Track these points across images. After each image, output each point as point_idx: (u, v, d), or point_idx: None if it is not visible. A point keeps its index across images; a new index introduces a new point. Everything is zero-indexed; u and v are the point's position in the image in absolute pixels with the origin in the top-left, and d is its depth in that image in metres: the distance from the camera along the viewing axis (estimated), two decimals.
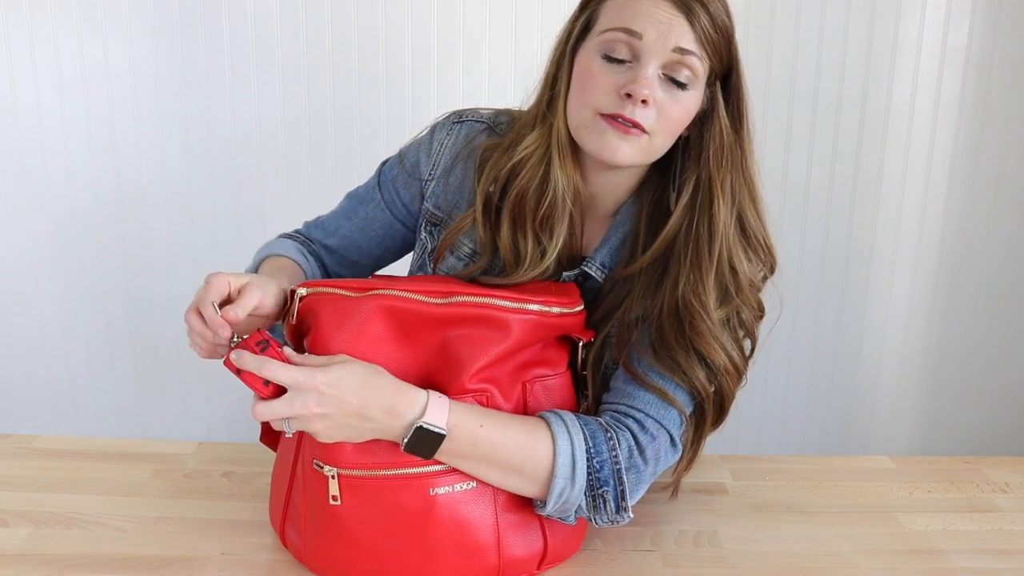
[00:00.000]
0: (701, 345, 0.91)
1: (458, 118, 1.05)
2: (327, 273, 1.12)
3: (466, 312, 0.84)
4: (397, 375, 0.84)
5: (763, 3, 1.91)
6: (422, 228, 1.06)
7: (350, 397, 0.79)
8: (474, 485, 0.82)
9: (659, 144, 0.91)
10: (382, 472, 0.81)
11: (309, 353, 0.86)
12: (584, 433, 0.85)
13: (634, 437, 0.88)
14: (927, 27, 1.95)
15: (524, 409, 0.86)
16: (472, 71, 1.92)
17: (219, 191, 2.02)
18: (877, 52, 1.95)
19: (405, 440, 0.80)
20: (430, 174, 1.04)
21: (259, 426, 0.98)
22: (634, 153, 0.90)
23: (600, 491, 0.85)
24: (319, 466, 0.83)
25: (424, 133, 1.06)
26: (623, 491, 0.85)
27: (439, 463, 0.81)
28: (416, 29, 1.93)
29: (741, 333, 0.97)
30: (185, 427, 2.12)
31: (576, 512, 0.86)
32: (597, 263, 0.98)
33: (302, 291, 0.90)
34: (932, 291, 2.10)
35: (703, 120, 0.93)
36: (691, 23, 0.88)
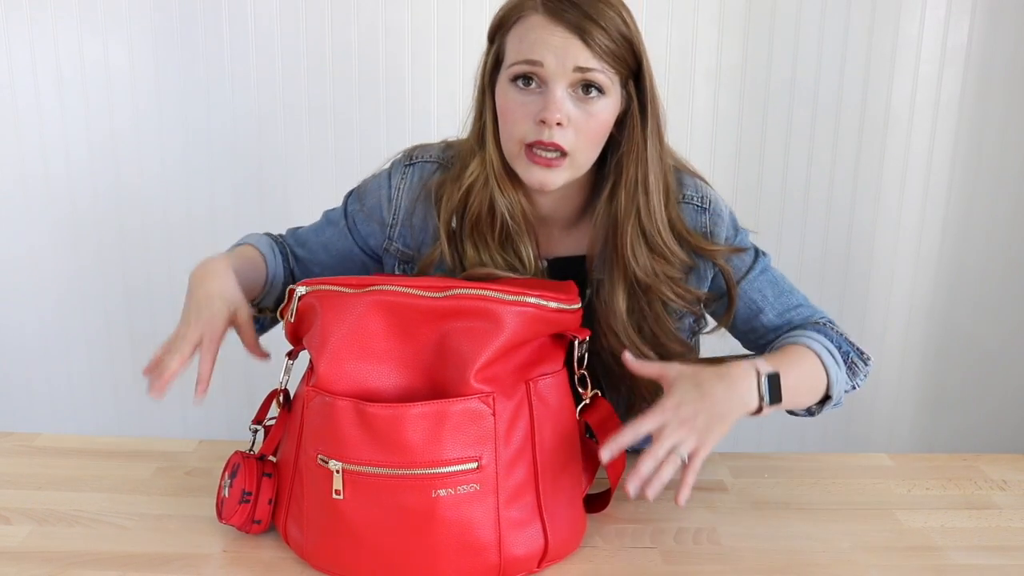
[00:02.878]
0: (605, 339, 1.02)
1: (409, 160, 1.10)
2: (292, 273, 1.17)
3: (464, 304, 0.85)
4: (398, 371, 0.85)
5: (763, 3, 1.92)
6: (395, 267, 1.12)
7: (699, 404, 0.86)
8: (477, 487, 0.82)
9: (583, 159, 0.97)
10: (386, 471, 0.81)
11: (307, 348, 0.88)
12: (816, 334, 1.03)
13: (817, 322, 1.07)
14: (927, 27, 1.95)
15: (528, 408, 0.87)
16: (472, 71, 1.93)
17: (218, 191, 2.02)
18: (877, 52, 1.95)
19: (764, 396, 0.91)
20: (393, 219, 1.10)
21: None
22: (563, 178, 0.97)
23: (849, 360, 1.04)
24: (324, 461, 0.83)
25: (381, 175, 1.12)
26: (858, 348, 1.06)
27: (443, 465, 0.81)
28: (416, 30, 1.93)
29: (651, 323, 1.04)
30: (185, 425, 2.12)
31: (846, 391, 1.04)
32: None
33: (301, 290, 0.91)
34: (932, 291, 2.10)
35: (622, 120, 0.99)
36: (586, 42, 0.92)
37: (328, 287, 0.90)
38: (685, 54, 1.94)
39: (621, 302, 1.01)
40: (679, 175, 1.06)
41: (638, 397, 1.06)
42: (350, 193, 1.16)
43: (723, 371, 0.90)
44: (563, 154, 0.95)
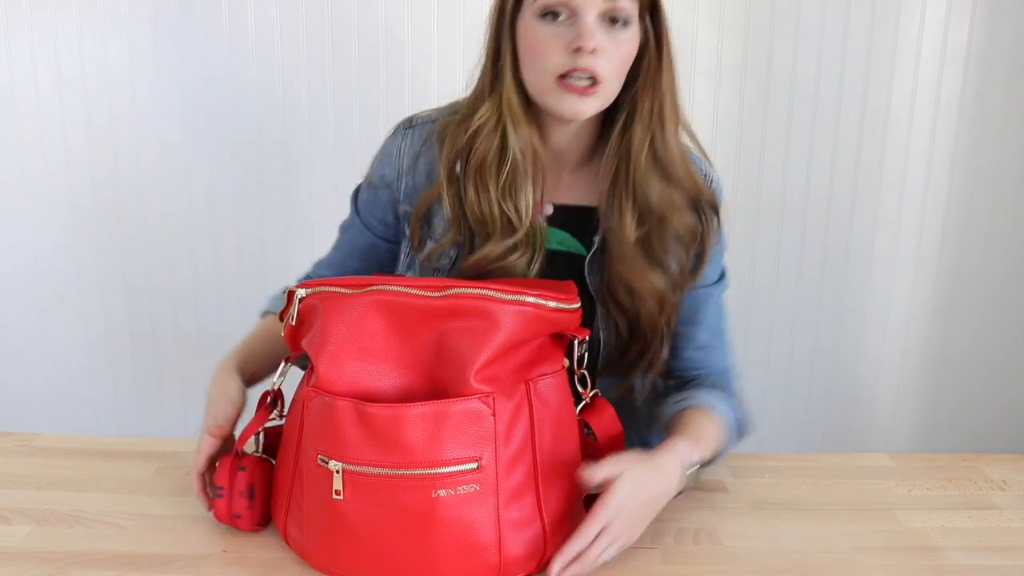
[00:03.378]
0: (619, 271, 1.03)
1: (409, 124, 1.11)
2: None
3: (463, 304, 0.85)
4: (398, 371, 0.85)
5: (763, 3, 1.92)
6: (405, 230, 1.10)
7: (637, 500, 0.89)
8: (477, 487, 0.82)
9: (612, 88, 0.99)
10: (386, 471, 0.81)
11: (306, 349, 0.88)
12: (733, 402, 1.08)
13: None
14: (927, 27, 1.95)
15: (528, 408, 0.87)
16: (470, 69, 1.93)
17: (218, 192, 2.02)
18: (877, 52, 1.95)
19: (684, 487, 0.96)
20: (397, 176, 1.09)
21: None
22: (595, 106, 0.98)
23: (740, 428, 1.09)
24: (324, 461, 0.83)
25: (382, 148, 1.13)
26: (749, 418, 1.11)
27: (443, 465, 0.81)
28: (416, 29, 1.93)
29: (662, 250, 1.04)
30: (185, 425, 2.11)
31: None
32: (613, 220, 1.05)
33: (301, 292, 0.91)
34: (932, 290, 2.11)
35: (640, 53, 1.01)
36: None
37: (327, 288, 0.90)
38: (685, 54, 1.94)
39: (631, 230, 1.03)
40: (688, 152, 1.08)
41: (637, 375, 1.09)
42: (356, 189, 1.17)
43: (657, 465, 0.92)
44: (595, 81, 0.96)
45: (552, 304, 0.86)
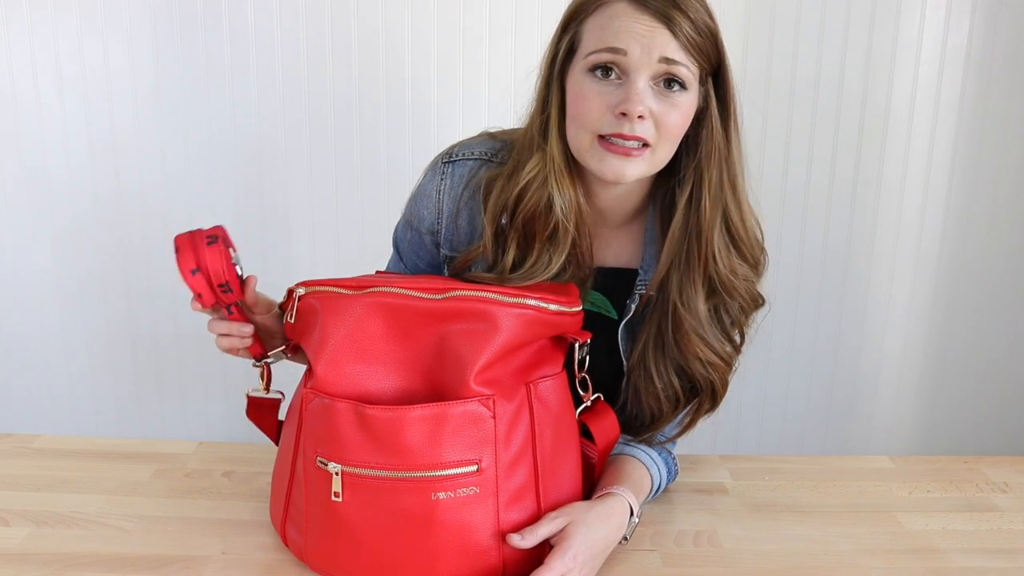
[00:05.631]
0: (685, 343, 0.98)
1: (448, 159, 1.05)
2: None
3: (463, 307, 0.84)
4: (397, 373, 0.85)
5: (763, 3, 1.91)
6: (445, 270, 1.07)
7: (592, 548, 0.87)
8: (476, 490, 0.82)
9: (663, 154, 0.93)
10: (385, 473, 0.81)
11: (305, 349, 0.87)
12: (669, 465, 1.06)
13: None
14: (927, 27, 1.95)
15: (529, 410, 0.86)
16: (472, 69, 1.92)
17: (219, 193, 2.02)
18: (877, 52, 1.95)
19: (629, 534, 0.94)
20: (438, 222, 1.05)
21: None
22: (639, 170, 0.92)
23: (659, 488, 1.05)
24: (323, 463, 0.83)
25: (419, 185, 1.07)
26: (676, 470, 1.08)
27: (442, 468, 0.81)
28: (416, 28, 1.93)
29: (729, 321, 1.02)
30: (185, 427, 2.12)
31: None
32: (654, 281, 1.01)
33: (300, 290, 0.91)
34: (932, 291, 2.10)
35: (699, 118, 0.95)
36: (673, 32, 0.88)
37: (327, 288, 0.90)
38: None
39: (702, 305, 0.98)
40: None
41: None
42: (395, 231, 1.11)
43: (605, 512, 0.91)
44: (645, 145, 0.90)
45: (553, 307, 0.86)
